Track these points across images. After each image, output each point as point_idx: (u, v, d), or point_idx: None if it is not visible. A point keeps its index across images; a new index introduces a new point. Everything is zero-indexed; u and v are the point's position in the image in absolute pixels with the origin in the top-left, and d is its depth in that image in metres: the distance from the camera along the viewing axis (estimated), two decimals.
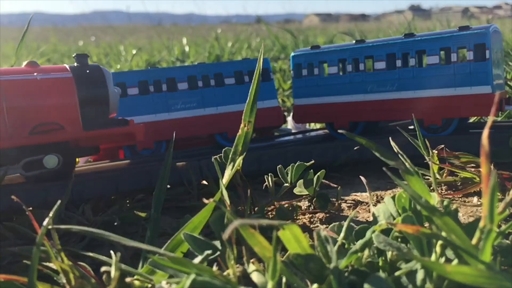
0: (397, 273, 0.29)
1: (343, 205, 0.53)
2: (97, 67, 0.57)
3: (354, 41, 0.72)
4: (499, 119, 0.79)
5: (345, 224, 0.34)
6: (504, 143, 0.57)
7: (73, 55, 0.58)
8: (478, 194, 0.52)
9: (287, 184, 0.54)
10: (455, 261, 0.28)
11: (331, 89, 0.72)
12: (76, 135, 0.54)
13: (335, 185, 0.54)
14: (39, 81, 0.52)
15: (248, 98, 0.44)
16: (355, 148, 0.61)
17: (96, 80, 0.55)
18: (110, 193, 0.56)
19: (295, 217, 0.48)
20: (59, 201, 0.37)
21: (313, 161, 0.52)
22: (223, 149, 0.48)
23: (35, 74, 0.53)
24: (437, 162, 0.53)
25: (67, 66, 0.55)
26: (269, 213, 0.51)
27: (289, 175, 0.54)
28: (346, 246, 0.34)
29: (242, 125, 0.43)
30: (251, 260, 0.31)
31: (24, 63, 0.55)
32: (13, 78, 0.51)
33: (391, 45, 0.67)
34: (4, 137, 0.50)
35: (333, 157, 0.64)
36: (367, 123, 0.72)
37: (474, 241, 0.27)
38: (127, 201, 0.57)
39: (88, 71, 0.56)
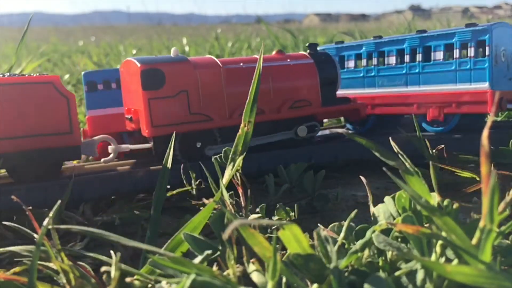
0: (397, 273, 0.29)
1: (343, 205, 0.53)
2: (326, 53, 0.68)
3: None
4: (499, 119, 0.79)
5: (345, 224, 0.34)
6: (504, 143, 0.57)
7: (306, 44, 0.69)
8: (478, 194, 0.52)
9: (287, 184, 0.54)
10: (455, 261, 0.28)
11: (354, 82, 0.74)
12: (318, 110, 0.64)
13: (335, 185, 0.54)
14: (292, 66, 0.64)
15: (248, 98, 0.44)
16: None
17: (329, 65, 0.66)
18: (110, 193, 0.56)
19: (295, 217, 0.48)
20: (59, 201, 0.37)
21: (313, 161, 0.53)
22: (223, 149, 0.48)
23: (288, 60, 0.64)
24: (437, 162, 0.53)
25: (306, 54, 0.66)
26: (269, 213, 0.51)
27: (289, 175, 0.54)
28: (346, 246, 0.34)
29: (242, 125, 0.43)
30: (251, 260, 0.31)
31: (274, 51, 0.66)
32: (275, 64, 0.62)
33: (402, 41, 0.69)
34: (271, 111, 0.61)
35: (334, 157, 0.64)
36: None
37: (474, 241, 0.27)
38: (127, 201, 0.57)
39: (322, 57, 0.66)
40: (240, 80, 0.59)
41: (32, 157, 0.50)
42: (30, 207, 0.50)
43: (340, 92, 0.71)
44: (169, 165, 0.42)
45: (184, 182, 0.55)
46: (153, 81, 0.54)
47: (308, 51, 0.67)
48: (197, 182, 0.55)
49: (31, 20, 0.85)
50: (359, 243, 0.31)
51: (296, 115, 0.63)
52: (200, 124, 0.57)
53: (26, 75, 0.53)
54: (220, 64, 0.59)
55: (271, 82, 0.61)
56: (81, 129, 0.69)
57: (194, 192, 0.55)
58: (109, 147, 0.57)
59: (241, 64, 0.61)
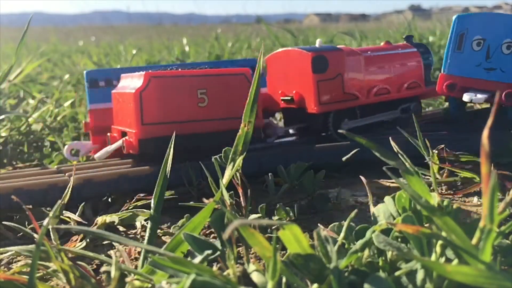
0: (397, 273, 0.29)
1: (343, 205, 0.53)
2: (423, 44, 0.80)
3: None
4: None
5: (345, 224, 0.34)
6: (505, 143, 0.57)
7: (403, 36, 0.81)
8: (478, 194, 0.52)
9: (287, 184, 0.54)
10: (455, 261, 0.28)
11: None
12: (424, 90, 0.76)
13: (335, 185, 0.54)
14: (404, 54, 0.75)
15: (248, 98, 0.44)
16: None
17: (426, 52, 0.78)
18: (110, 192, 0.56)
19: (295, 217, 0.48)
20: (59, 201, 0.37)
21: (312, 162, 0.53)
22: (223, 149, 0.47)
23: (399, 49, 0.76)
24: (437, 162, 0.53)
25: (408, 44, 0.78)
26: (269, 213, 0.51)
27: (289, 175, 0.54)
28: (346, 246, 0.34)
29: (242, 125, 0.43)
30: (251, 260, 0.31)
31: (382, 43, 0.78)
32: (394, 52, 0.75)
33: None
34: (394, 91, 0.73)
35: (334, 157, 0.64)
36: None
37: (474, 241, 0.27)
38: (127, 200, 0.57)
39: (420, 47, 0.78)
40: (374, 65, 0.72)
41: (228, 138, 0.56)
42: (30, 207, 0.50)
43: None
44: (169, 164, 0.42)
45: (185, 181, 0.55)
46: (320, 66, 0.66)
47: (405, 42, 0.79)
48: (197, 183, 0.55)
49: (31, 20, 0.85)
50: (359, 243, 0.31)
51: (412, 94, 0.74)
52: (349, 103, 0.69)
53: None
54: (360, 52, 0.71)
55: (392, 68, 0.74)
56: (83, 121, 0.74)
57: (194, 192, 0.55)
58: None
59: (371, 52, 0.73)
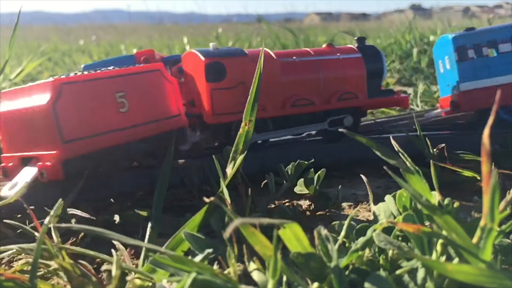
0: (398, 272, 0.29)
1: (344, 204, 0.53)
2: (373, 47, 0.69)
3: None
4: None
5: (346, 222, 0.34)
6: (506, 142, 0.57)
7: (355, 38, 0.71)
8: (479, 193, 0.52)
9: (287, 183, 0.54)
10: (456, 260, 0.28)
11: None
12: (364, 102, 0.66)
13: (336, 184, 0.54)
14: (342, 60, 0.66)
15: (249, 98, 0.44)
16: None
17: (374, 58, 0.68)
18: (111, 192, 0.56)
19: (295, 216, 0.48)
20: (60, 200, 0.37)
21: (313, 160, 0.53)
22: (224, 148, 0.48)
23: (338, 54, 0.67)
24: (438, 161, 0.53)
25: (354, 47, 0.69)
26: (270, 212, 0.51)
27: (290, 174, 0.54)
28: (346, 244, 0.34)
29: (243, 124, 0.43)
30: (252, 259, 0.31)
31: (324, 45, 0.69)
32: (327, 58, 0.66)
33: None
34: (320, 102, 0.64)
35: (335, 157, 0.64)
36: None
37: (474, 240, 0.27)
38: (128, 200, 0.57)
39: (368, 51, 0.68)
40: (293, 73, 0.64)
41: (154, 143, 0.53)
42: (31, 206, 0.50)
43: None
44: (170, 163, 0.42)
45: (185, 181, 0.55)
46: (216, 74, 0.59)
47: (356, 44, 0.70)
48: (199, 182, 0.55)
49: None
50: (360, 241, 0.31)
51: (343, 106, 0.66)
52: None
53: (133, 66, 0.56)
54: (277, 57, 0.63)
55: (321, 74, 0.65)
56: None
57: (195, 191, 0.55)
58: None
59: (297, 57, 0.65)
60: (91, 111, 0.48)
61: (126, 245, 0.42)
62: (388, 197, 0.38)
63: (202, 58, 0.58)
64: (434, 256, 0.29)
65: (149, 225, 0.39)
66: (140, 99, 0.52)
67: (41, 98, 0.46)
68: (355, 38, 0.71)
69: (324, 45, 0.69)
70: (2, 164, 0.50)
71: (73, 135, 0.46)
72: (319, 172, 0.52)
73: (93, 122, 0.48)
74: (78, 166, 0.46)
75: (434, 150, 0.54)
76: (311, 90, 0.64)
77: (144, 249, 0.34)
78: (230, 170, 0.42)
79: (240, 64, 0.60)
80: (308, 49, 0.67)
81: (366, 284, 0.27)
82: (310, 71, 0.64)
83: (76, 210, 0.48)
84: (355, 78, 0.66)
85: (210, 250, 0.33)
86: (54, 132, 0.45)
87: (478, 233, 0.27)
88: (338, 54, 0.67)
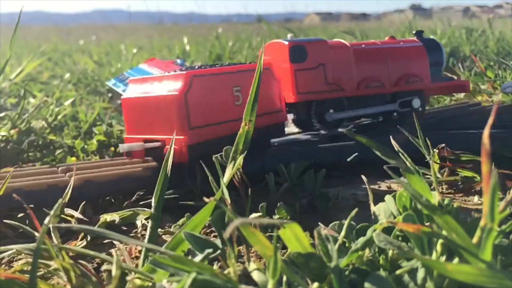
0: (398, 272, 0.29)
1: (344, 204, 0.53)
2: (433, 40, 0.79)
3: None
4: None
5: (346, 222, 0.34)
6: (506, 142, 0.57)
7: (413, 32, 0.80)
8: (479, 193, 0.52)
9: (287, 183, 0.54)
10: (456, 260, 0.28)
11: None
12: (428, 86, 0.75)
13: (336, 184, 0.54)
14: (406, 48, 0.75)
15: (249, 98, 0.44)
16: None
17: (435, 48, 0.77)
18: (111, 191, 0.56)
19: (295, 216, 0.48)
20: (60, 200, 0.37)
21: (313, 160, 0.53)
22: (224, 148, 0.47)
23: (401, 44, 0.76)
24: (438, 161, 0.53)
25: (415, 39, 0.78)
26: (270, 212, 0.51)
27: (290, 174, 0.54)
28: (346, 244, 0.34)
29: (243, 124, 0.43)
30: (252, 259, 0.31)
31: (386, 38, 0.79)
32: (392, 46, 0.75)
33: None
34: (390, 85, 0.72)
35: (336, 157, 0.64)
36: None
37: (474, 240, 0.27)
38: (128, 199, 0.57)
39: (429, 42, 0.78)
40: (365, 58, 0.72)
41: (259, 135, 0.57)
42: (31, 205, 0.50)
43: None
44: (170, 163, 0.42)
45: (187, 180, 0.55)
46: (299, 55, 0.67)
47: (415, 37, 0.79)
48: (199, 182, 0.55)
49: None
50: (360, 241, 0.31)
51: (411, 88, 0.74)
52: (333, 93, 0.70)
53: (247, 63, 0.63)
54: (349, 45, 0.71)
55: (389, 61, 0.74)
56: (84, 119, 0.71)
57: (195, 190, 0.55)
58: None
59: (365, 46, 0.74)
60: (213, 102, 0.54)
61: (126, 245, 0.42)
62: (388, 197, 0.38)
63: (286, 43, 0.67)
64: (434, 256, 0.29)
65: (149, 225, 0.39)
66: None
67: (174, 88, 0.52)
68: (413, 32, 0.80)
69: (386, 38, 0.78)
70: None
71: (198, 123, 0.53)
72: (319, 172, 0.52)
73: (214, 112, 0.54)
74: (201, 151, 0.52)
75: (434, 149, 0.54)
76: (381, 74, 0.71)
77: (144, 249, 0.34)
78: (230, 170, 0.42)
79: (319, 47, 0.67)
80: (374, 40, 0.77)
81: (366, 284, 0.27)
82: (378, 57, 0.72)
83: (73, 211, 0.48)
84: (419, 64, 0.74)
85: (210, 250, 0.33)
86: (183, 119, 0.51)
87: (478, 233, 0.27)
88: (402, 43, 0.76)
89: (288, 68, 0.66)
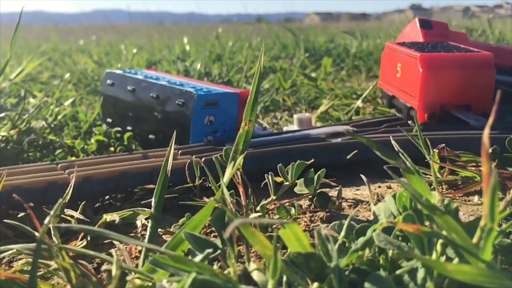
0: (398, 272, 0.29)
1: (344, 204, 0.53)
2: None
3: None
4: None
5: (346, 222, 0.34)
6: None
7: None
8: (479, 193, 0.52)
9: (287, 183, 0.54)
10: (456, 260, 0.28)
11: None
12: None
13: (336, 184, 0.54)
14: None
15: (249, 97, 0.44)
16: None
17: None
18: (110, 191, 0.56)
19: (295, 216, 0.48)
20: (60, 200, 0.37)
21: (313, 160, 0.53)
22: (224, 148, 0.48)
23: None
24: (438, 161, 0.53)
25: None
26: (270, 212, 0.51)
27: (290, 173, 0.54)
28: (346, 244, 0.34)
29: (243, 124, 0.43)
30: (252, 259, 0.31)
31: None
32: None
33: None
34: None
35: (336, 156, 0.64)
36: None
37: (474, 240, 0.27)
38: (128, 199, 0.57)
39: None
40: None
41: None
42: (31, 205, 0.50)
43: None
44: (170, 162, 0.42)
45: (188, 179, 0.55)
46: None
47: None
48: (200, 181, 0.55)
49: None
50: (360, 241, 0.31)
51: None
52: None
53: None
54: None
55: None
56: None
57: (195, 190, 0.55)
58: None
59: None
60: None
61: (126, 245, 0.42)
62: (388, 197, 0.38)
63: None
64: (434, 256, 0.29)
65: (149, 224, 0.39)
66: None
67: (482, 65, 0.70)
68: None
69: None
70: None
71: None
72: (319, 172, 0.52)
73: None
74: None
75: (434, 150, 0.54)
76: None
77: (144, 249, 0.34)
78: (230, 170, 0.42)
79: None
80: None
81: (366, 284, 0.27)
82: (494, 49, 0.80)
83: (73, 211, 0.48)
84: None
85: (210, 250, 0.33)
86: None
87: (478, 233, 0.27)
88: None
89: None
